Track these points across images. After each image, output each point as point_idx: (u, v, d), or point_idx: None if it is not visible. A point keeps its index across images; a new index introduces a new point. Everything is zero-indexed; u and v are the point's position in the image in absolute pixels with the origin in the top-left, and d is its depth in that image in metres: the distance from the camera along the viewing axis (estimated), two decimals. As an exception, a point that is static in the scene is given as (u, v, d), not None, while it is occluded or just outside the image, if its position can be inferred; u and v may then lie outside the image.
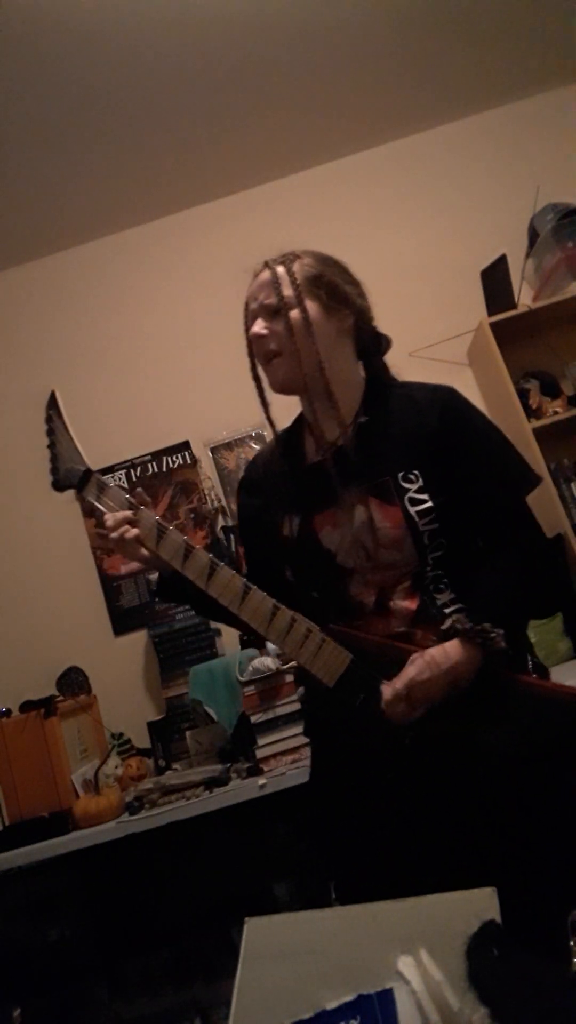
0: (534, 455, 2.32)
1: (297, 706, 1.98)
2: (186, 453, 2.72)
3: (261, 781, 1.89)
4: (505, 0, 2.40)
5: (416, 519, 1.09)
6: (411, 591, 1.11)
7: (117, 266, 2.92)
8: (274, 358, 1.17)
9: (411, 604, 1.11)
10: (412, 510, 1.09)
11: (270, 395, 1.22)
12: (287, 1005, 0.65)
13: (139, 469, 2.72)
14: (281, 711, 1.98)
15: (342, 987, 0.65)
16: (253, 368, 1.23)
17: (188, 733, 2.25)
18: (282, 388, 1.20)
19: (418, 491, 1.10)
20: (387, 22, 2.33)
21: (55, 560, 2.69)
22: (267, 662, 2.02)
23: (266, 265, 1.21)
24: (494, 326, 2.42)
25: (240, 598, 1.13)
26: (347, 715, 1.08)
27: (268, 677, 2.00)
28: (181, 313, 2.87)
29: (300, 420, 1.29)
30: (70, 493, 2.83)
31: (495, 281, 2.53)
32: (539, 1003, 0.58)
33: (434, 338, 2.60)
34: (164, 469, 2.72)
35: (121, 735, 2.40)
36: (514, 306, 2.46)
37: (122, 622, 2.63)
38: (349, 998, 0.63)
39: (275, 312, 1.17)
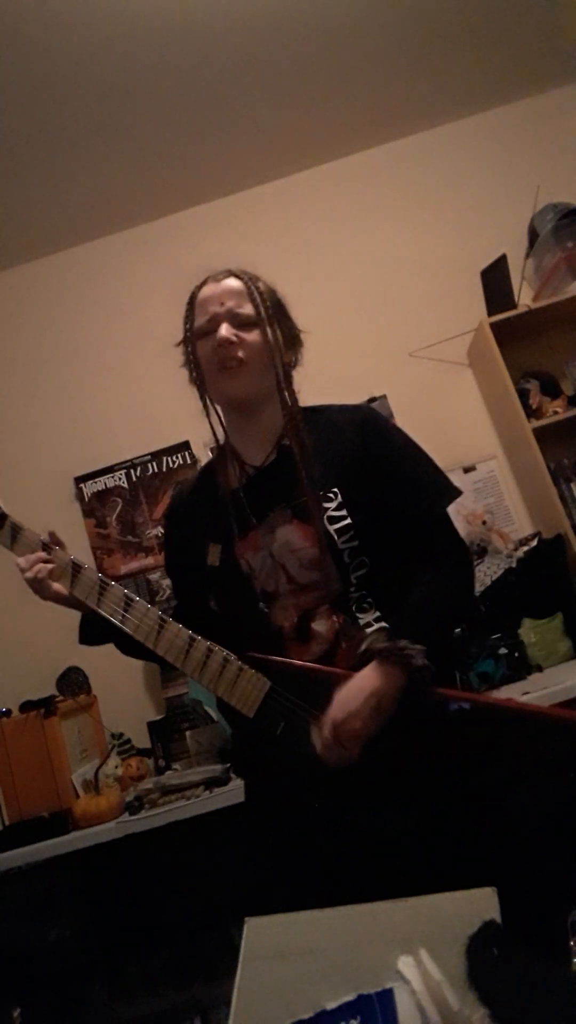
0: (534, 455, 2.32)
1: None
2: (186, 453, 2.72)
3: (261, 781, 1.89)
4: (506, 0, 2.40)
5: (335, 537, 1.08)
6: (332, 612, 1.09)
7: (117, 265, 2.91)
8: (235, 367, 1.15)
9: (332, 626, 1.08)
10: (330, 528, 1.08)
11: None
12: (287, 1005, 0.65)
13: (139, 469, 2.72)
14: (281, 711, 1.98)
15: (342, 987, 0.65)
16: (191, 370, 1.24)
17: (188, 733, 2.25)
18: (238, 400, 1.19)
19: (336, 508, 1.09)
20: (387, 22, 2.33)
21: (55, 560, 2.69)
22: (267, 662, 2.01)
23: (231, 273, 1.22)
24: (494, 326, 2.42)
25: (156, 632, 1.10)
26: (269, 746, 1.05)
27: (268, 677, 1.99)
28: (180, 313, 2.86)
29: (222, 449, 1.27)
30: (70, 491, 2.84)
31: (495, 281, 2.53)
32: (539, 1003, 0.58)
33: (434, 338, 2.60)
34: (164, 469, 2.72)
35: (121, 735, 2.40)
36: (514, 306, 2.46)
37: (122, 622, 2.63)
38: (349, 998, 0.64)
39: (244, 324, 1.17)
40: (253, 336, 1.16)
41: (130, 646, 1.20)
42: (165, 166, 2.68)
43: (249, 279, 1.20)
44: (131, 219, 2.91)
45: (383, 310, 2.73)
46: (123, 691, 2.53)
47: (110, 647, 2.66)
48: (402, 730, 1.00)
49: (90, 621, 1.26)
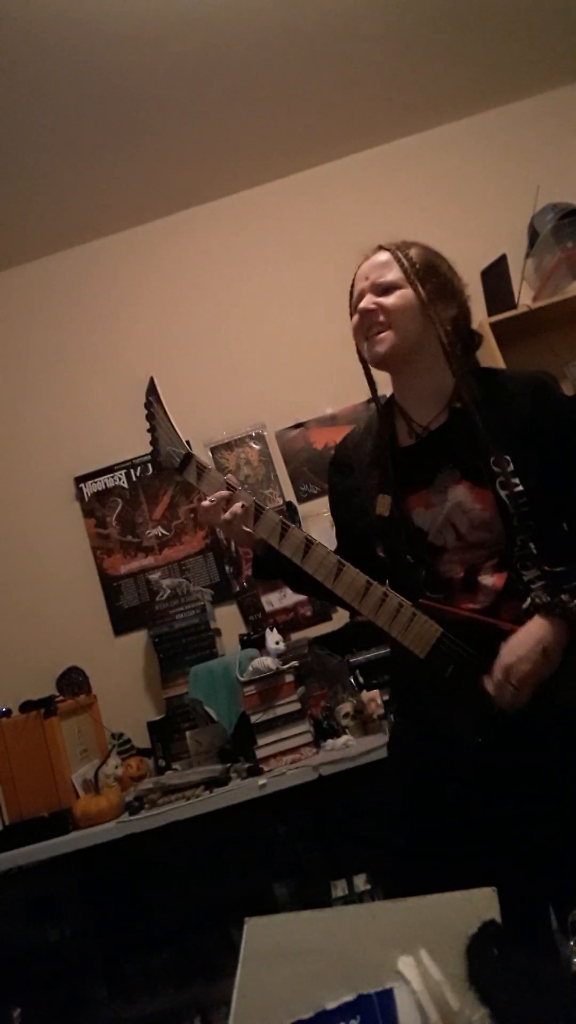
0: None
1: (298, 706, 1.99)
2: (186, 453, 2.72)
3: (261, 781, 1.89)
4: (506, 0, 2.40)
5: (507, 503, 1.12)
6: (499, 568, 1.15)
7: (114, 267, 2.91)
8: (379, 332, 1.20)
9: (498, 581, 1.15)
10: (503, 494, 1.13)
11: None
12: (287, 1005, 0.65)
13: (139, 469, 2.72)
14: (281, 711, 1.98)
15: (342, 987, 0.65)
16: (360, 349, 1.27)
17: (188, 733, 2.25)
18: (382, 361, 1.23)
19: (510, 475, 1.13)
20: (387, 23, 2.33)
21: (55, 560, 2.69)
22: (267, 662, 2.02)
23: (381, 247, 1.26)
24: (494, 326, 2.42)
25: (334, 574, 1.18)
26: (437, 685, 1.12)
27: (268, 677, 2.00)
28: (180, 313, 2.87)
29: (390, 403, 1.32)
30: (70, 491, 2.85)
31: (495, 281, 2.52)
32: (539, 1003, 0.58)
33: (434, 338, 2.60)
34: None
35: (121, 735, 2.40)
36: (514, 306, 2.46)
37: (122, 622, 2.63)
38: (349, 998, 0.63)
39: (386, 290, 1.21)
40: (395, 298, 1.20)
41: (299, 585, 1.30)
42: (164, 167, 2.67)
43: (397, 247, 1.24)
44: (130, 220, 2.90)
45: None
46: (123, 691, 2.54)
47: (107, 651, 2.67)
48: (562, 684, 1.07)
49: (261, 559, 1.34)
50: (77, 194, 2.67)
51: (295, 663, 2.06)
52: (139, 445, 2.78)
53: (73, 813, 2.02)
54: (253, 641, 2.35)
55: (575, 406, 1.23)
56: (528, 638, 1.06)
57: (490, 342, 2.41)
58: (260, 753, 1.97)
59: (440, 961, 0.63)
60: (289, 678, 2.00)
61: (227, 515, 1.24)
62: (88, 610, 2.65)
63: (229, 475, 1.30)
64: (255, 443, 2.72)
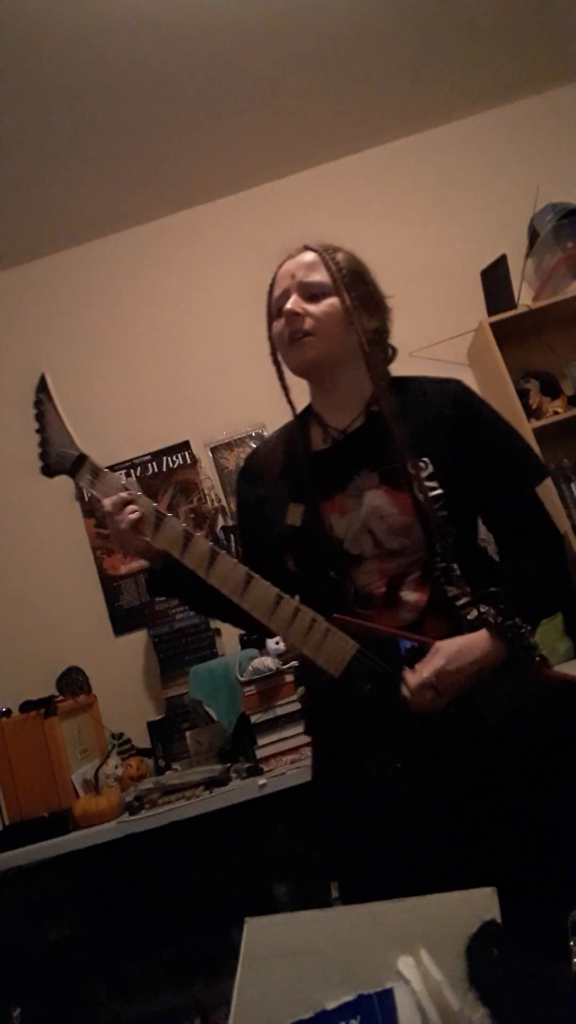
0: (534, 455, 2.32)
1: (297, 706, 1.99)
2: (186, 453, 2.72)
3: (261, 781, 1.89)
4: (505, 0, 2.40)
5: (425, 506, 1.08)
6: (421, 582, 1.09)
7: (117, 266, 2.92)
8: (304, 337, 1.15)
9: (422, 596, 1.09)
10: (421, 497, 1.08)
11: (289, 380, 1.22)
12: (287, 1005, 0.65)
13: (139, 469, 2.72)
14: (281, 711, 1.98)
15: (342, 987, 0.65)
16: (272, 348, 1.21)
17: (188, 733, 2.25)
18: (306, 369, 1.18)
19: (428, 478, 1.09)
20: (387, 22, 2.33)
21: (55, 560, 2.69)
22: (267, 662, 2.02)
23: (307, 248, 1.20)
24: (494, 326, 2.42)
25: (242, 587, 1.09)
26: (354, 706, 1.05)
27: (268, 677, 2.00)
28: (181, 313, 2.87)
29: (306, 411, 1.27)
30: (70, 491, 2.84)
31: (495, 281, 2.52)
32: (539, 1003, 0.58)
33: (434, 338, 2.59)
34: (164, 469, 2.72)
35: (121, 735, 2.40)
36: (514, 306, 2.46)
37: (122, 622, 2.62)
38: (349, 998, 0.64)
39: (313, 294, 1.15)
40: (323, 305, 1.15)
41: (201, 604, 1.20)
42: (164, 167, 2.67)
43: (324, 249, 1.19)
44: (131, 220, 2.90)
45: (383, 310, 2.73)
46: (123, 691, 2.53)
47: (107, 651, 2.66)
48: (499, 705, 1.02)
49: (158, 573, 1.23)
50: (78, 195, 2.67)
51: (295, 663, 2.06)
52: (139, 445, 2.78)
53: (73, 813, 2.02)
54: (253, 641, 2.35)
55: (493, 410, 1.20)
56: (470, 650, 1.00)
57: (490, 342, 2.41)
58: (260, 753, 1.97)
59: (440, 961, 0.63)
60: (289, 678, 2.00)
61: (123, 524, 1.14)
62: (88, 610, 2.65)
63: (130, 478, 1.24)
64: (255, 443, 2.72)
